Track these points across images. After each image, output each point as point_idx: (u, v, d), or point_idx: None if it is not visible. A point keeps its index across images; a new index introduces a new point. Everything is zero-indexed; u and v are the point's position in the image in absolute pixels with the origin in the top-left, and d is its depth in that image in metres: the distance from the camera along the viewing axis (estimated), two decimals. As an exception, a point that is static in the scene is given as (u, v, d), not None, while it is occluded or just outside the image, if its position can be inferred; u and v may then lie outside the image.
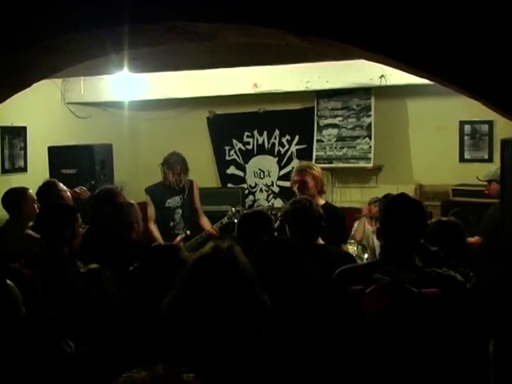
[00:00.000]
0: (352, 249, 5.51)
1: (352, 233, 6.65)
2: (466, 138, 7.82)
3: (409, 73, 3.23)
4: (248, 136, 8.99)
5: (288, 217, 4.33)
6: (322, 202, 5.39)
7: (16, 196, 5.39)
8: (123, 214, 4.89)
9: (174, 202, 6.85)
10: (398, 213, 3.18)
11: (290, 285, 3.07)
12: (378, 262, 3.42)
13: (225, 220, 6.64)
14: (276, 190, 8.64)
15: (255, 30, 3.19)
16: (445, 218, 4.54)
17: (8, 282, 2.65)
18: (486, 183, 6.13)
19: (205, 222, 6.91)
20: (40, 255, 4.00)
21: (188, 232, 6.67)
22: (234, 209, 6.68)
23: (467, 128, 7.80)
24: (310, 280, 3.15)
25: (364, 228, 6.64)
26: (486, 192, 6.09)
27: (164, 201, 6.81)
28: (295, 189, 5.54)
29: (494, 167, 6.12)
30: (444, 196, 7.15)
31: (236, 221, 6.38)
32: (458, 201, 6.64)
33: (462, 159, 7.84)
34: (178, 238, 6.41)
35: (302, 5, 2.97)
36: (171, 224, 6.83)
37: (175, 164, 6.75)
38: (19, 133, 7.54)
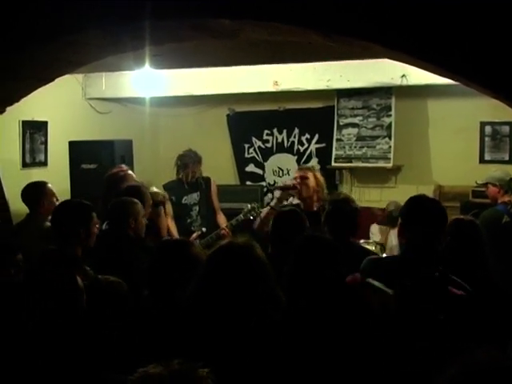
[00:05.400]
0: (371, 248, 5.50)
1: (370, 235, 6.66)
2: (486, 139, 7.75)
3: (433, 72, 3.22)
4: (267, 134, 8.97)
5: (324, 213, 4.33)
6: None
7: (35, 190, 5.40)
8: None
9: (190, 199, 6.90)
10: (420, 210, 3.26)
11: (326, 284, 2.99)
12: (401, 257, 3.47)
13: (240, 217, 6.61)
14: (294, 188, 8.60)
15: (279, 28, 3.19)
16: (462, 217, 4.50)
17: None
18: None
19: (221, 220, 6.91)
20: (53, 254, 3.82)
21: (204, 229, 6.67)
22: (249, 205, 6.67)
23: (488, 129, 7.74)
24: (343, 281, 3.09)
25: (381, 229, 6.65)
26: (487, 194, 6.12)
27: (181, 197, 6.86)
28: (296, 183, 5.55)
29: (493, 170, 6.14)
30: (463, 197, 7.11)
31: (252, 218, 6.42)
32: (477, 202, 6.59)
33: (482, 160, 7.77)
34: (194, 235, 6.40)
35: (326, 2, 2.97)
36: (188, 221, 6.87)
37: (189, 162, 6.84)
38: (40, 127, 7.59)
